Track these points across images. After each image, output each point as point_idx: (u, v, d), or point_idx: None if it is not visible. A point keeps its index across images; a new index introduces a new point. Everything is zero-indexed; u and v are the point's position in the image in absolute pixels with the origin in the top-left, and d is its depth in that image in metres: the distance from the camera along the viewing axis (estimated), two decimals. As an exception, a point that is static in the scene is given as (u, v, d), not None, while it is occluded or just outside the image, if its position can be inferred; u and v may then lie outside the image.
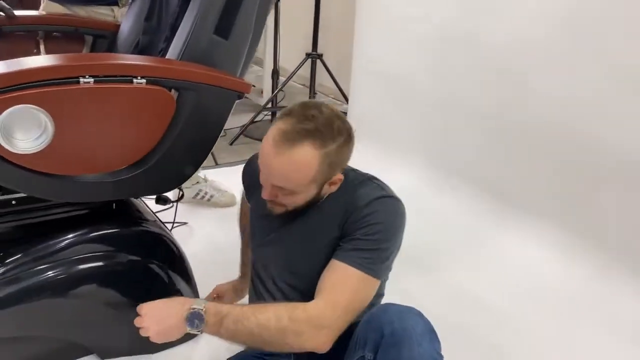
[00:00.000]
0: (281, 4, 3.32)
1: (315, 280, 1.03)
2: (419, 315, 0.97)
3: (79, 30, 1.75)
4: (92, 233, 1.44)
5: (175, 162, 1.36)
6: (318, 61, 3.39)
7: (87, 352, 1.54)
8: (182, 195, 1.70)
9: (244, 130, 3.35)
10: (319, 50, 3.39)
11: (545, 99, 2.04)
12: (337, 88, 3.47)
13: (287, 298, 1.14)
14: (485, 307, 1.81)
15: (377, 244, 1.02)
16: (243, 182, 1.37)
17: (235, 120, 3.59)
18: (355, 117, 3.03)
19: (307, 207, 1.09)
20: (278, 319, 0.95)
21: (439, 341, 0.96)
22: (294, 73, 3.42)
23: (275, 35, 3.37)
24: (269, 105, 3.48)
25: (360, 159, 1.16)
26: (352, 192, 1.08)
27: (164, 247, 1.54)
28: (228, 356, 1.26)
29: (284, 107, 3.59)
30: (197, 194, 2.36)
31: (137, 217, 1.54)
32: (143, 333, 1.01)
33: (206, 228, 2.19)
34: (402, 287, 1.41)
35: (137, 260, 1.47)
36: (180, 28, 1.43)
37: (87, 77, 1.16)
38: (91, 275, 1.43)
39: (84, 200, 1.35)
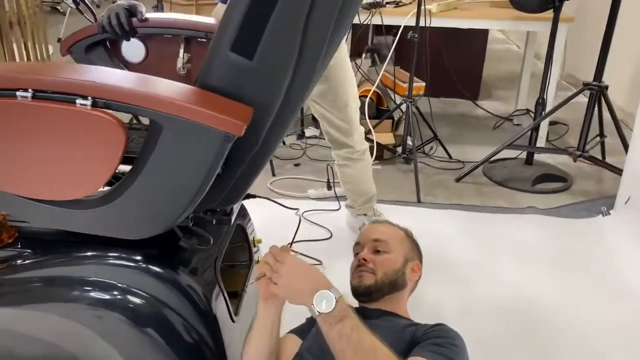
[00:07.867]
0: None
1: None
2: None
3: (207, 36, 1.62)
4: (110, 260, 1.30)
5: (145, 204, 1.09)
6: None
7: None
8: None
9: (478, 166, 2.75)
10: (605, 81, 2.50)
11: None
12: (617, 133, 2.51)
13: None
14: None
15: (452, 341, 1.09)
16: None
17: (476, 152, 3.00)
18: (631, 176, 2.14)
19: (390, 290, 1.25)
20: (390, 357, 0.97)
21: None
22: (559, 107, 2.61)
23: (547, 62, 2.62)
24: (517, 142, 2.74)
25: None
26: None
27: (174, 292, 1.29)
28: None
29: (549, 148, 2.84)
30: (361, 227, 1.94)
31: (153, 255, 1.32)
32: (273, 278, 1.02)
33: (343, 275, 1.38)
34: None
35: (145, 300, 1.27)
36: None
37: (28, 90, 1.00)
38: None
39: (45, 225, 1.21)
